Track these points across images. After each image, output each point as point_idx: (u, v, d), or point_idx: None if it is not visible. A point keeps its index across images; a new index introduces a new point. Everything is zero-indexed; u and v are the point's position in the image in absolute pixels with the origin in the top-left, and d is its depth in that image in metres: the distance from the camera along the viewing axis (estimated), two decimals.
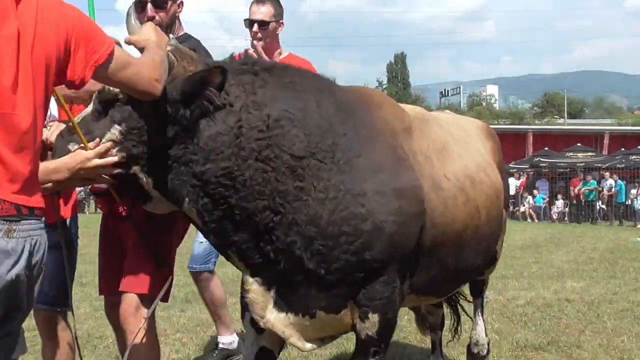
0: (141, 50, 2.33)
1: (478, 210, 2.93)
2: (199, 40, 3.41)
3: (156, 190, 2.48)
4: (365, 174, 2.48)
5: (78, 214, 3.44)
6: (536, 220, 25.06)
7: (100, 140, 2.35)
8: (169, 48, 2.38)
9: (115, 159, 2.38)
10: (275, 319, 2.60)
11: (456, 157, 2.95)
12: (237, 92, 2.41)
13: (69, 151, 2.39)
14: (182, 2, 3.42)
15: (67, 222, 3.16)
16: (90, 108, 2.48)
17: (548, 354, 4.78)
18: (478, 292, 3.81)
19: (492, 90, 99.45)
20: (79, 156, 2.38)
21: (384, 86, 70.90)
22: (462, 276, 3.18)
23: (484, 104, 74.03)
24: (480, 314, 3.82)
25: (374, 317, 2.56)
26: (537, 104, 75.30)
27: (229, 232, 2.48)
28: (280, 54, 4.12)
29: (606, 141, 35.05)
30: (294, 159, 2.40)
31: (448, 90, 77.91)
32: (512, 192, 23.91)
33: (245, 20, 4.07)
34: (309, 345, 2.72)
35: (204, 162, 2.37)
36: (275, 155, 2.39)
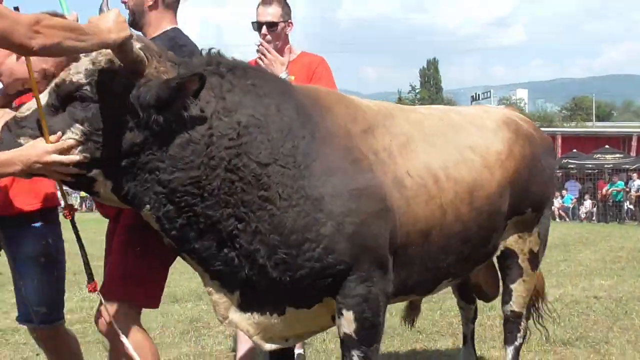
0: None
1: (443, 208, 2.71)
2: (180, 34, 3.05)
3: (113, 194, 2.34)
4: (321, 178, 2.39)
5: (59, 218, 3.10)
6: (567, 220, 25.02)
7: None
8: (138, 45, 2.20)
9: (78, 158, 2.22)
10: (239, 318, 2.54)
11: (420, 153, 2.72)
12: (207, 97, 2.28)
13: (19, 145, 2.21)
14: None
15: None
16: (42, 101, 2.27)
17: (576, 350, 4.74)
18: (510, 338, 3.41)
19: (522, 94, 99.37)
20: (39, 149, 2.19)
21: (417, 90, 71.99)
22: (438, 274, 2.91)
23: (514, 107, 74.05)
24: None
25: (348, 315, 2.49)
26: (566, 107, 76.48)
27: (191, 239, 2.37)
28: (290, 51, 3.91)
29: (634, 143, 34.74)
30: (260, 166, 2.31)
31: (479, 95, 75.31)
32: None
33: (253, 22, 3.86)
34: (268, 345, 2.63)
35: (172, 171, 2.25)
36: (243, 164, 2.30)
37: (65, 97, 2.25)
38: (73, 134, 2.21)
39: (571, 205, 26.36)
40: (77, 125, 2.22)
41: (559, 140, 35.04)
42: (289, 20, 3.86)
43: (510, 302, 3.35)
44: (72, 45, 2.02)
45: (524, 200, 3.14)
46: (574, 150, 30.82)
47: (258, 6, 3.84)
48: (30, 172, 2.24)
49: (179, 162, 2.23)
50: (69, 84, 2.24)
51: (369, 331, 2.52)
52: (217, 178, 2.27)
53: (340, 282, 2.45)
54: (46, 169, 2.23)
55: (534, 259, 3.32)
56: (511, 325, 3.39)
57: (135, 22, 3.00)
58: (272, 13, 3.77)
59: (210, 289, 2.52)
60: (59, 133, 2.19)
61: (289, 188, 2.33)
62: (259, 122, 2.33)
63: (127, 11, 2.98)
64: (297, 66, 3.82)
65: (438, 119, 3.02)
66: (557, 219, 24.52)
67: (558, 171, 28.33)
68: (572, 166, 28.98)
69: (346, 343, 2.53)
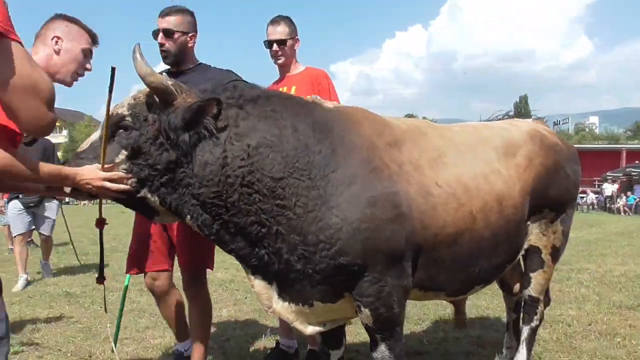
0: None
1: (472, 215, 2.76)
2: (225, 70, 3.56)
3: (162, 207, 2.55)
4: (340, 186, 2.48)
5: None
6: (630, 214, 29.23)
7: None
8: (170, 82, 2.47)
9: (126, 188, 2.49)
10: (281, 307, 2.67)
11: (451, 166, 2.80)
12: (222, 125, 2.47)
13: None
14: (193, 35, 3.53)
15: None
16: (97, 133, 2.57)
17: (638, 313, 5.31)
18: (527, 319, 3.48)
19: (594, 120, 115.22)
20: (92, 173, 2.45)
21: None
22: (469, 276, 2.94)
23: (587, 130, 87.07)
24: (525, 344, 3.48)
25: (365, 311, 2.58)
26: (630, 129, 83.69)
27: (227, 241, 2.57)
28: (295, 66, 4.09)
29: None
30: (273, 180, 2.45)
31: (559, 121, 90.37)
32: (609, 193, 33.89)
33: (264, 41, 4.04)
34: (310, 329, 2.74)
35: (199, 186, 2.45)
36: (257, 179, 2.44)
37: (114, 128, 2.48)
38: (120, 159, 2.45)
39: (634, 204, 31.04)
40: (123, 151, 2.46)
41: (624, 154, 41.14)
42: (296, 37, 4.04)
43: (529, 288, 3.41)
44: None
45: (542, 203, 3.17)
46: (637, 162, 36.61)
47: (267, 26, 4.03)
48: (80, 189, 2.49)
49: (203, 180, 2.44)
50: (115, 116, 2.50)
51: (385, 322, 2.61)
52: (236, 192, 2.45)
53: (356, 280, 2.52)
54: (98, 190, 2.47)
55: (555, 253, 3.36)
56: (529, 308, 3.46)
57: (177, 60, 3.50)
58: (281, 31, 3.97)
59: (253, 282, 2.68)
60: (112, 165, 2.46)
61: (304, 197, 2.45)
62: (272, 142, 2.48)
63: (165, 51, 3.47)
64: (302, 78, 4.01)
65: (469, 134, 3.09)
66: (622, 214, 29.92)
67: (623, 177, 35.97)
68: (634, 174, 35.32)
69: (368, 329, 2.68)
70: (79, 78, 2.68)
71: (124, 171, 2.49)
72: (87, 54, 2.67)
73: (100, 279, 3.01)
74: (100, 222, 2.95)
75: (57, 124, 2.24)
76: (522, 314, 3.55)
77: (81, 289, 6.75)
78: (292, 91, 3.91)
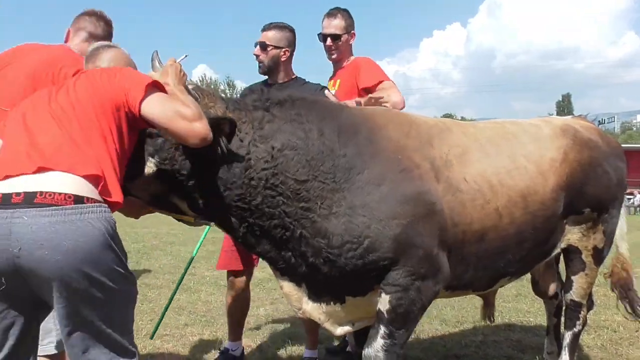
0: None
1: (498, 212, 2.72)
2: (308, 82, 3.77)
3: (192, 211, 2.57)
4: (367, 187, 2.46)
5: None
6: None
7: (140, 176, 2.46)
8: (190, 86, 2.44)
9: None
10: (311, 308, 2.65)
11: (476, 161, 2.77)
12: (247, 128, 2.47)
13: None
14: (287, 50, 3.71)
15: None
16: None
17: None
18: (569, 324, 3.39)
19: None
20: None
21: None
22: (495, 272, 2.91)
23: (634, 129, 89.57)
24: (567, 350, 3.39)
25: (385, 297, 2.52)
26: None
27: (254, 244, 2.57)
28: (347, 59, 4.01)
29: None
30: (297, 183, 2.44)
31: (605, 119, 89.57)
32: None
33: (318, 34, 3.97)
34: (339, 330, 2.73)
35: (224, 189, 2.44)
36: (281, 182, 2.43)
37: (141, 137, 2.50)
38: (148, 167, 2.43)
39: None
40: (150, 158, 2.44)
41: None
42: (352, 32, 3.93)
43: (571, 292, 3.33)
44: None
45: (579, 201, 3.07)
46: None
47: (323, 18, 3.96)
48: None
49: (227, 183, 2.43)
50: None
51: (401, 316, 2.53)
52: (259, 195, 2.43)
53: (385, 274, 2.49)
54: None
55: (598, 255, 3.25)
56: (571, 312, 3.37)
57: (269, 71, 3.76)
58: (336, 25, 3.89)
59: (282, 284, 2.68)
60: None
61: (328, 200, 2.44)
62: (297, 145, 2.47)
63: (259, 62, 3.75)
64: (345, 71, 3.95)
65: (493, 130, 3.04)
66: None
67: None
68: None
69: (379, 317, 2.56)
70: None
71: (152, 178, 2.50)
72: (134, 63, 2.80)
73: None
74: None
75: None
76: (564, 319, 3.46)
77: None
78: (337, 86, 3.87)
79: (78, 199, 1.92)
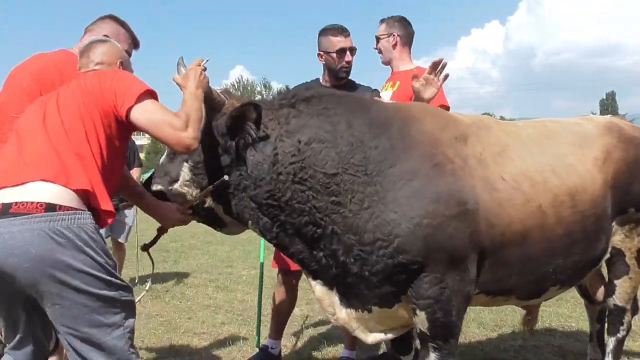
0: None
1: (542, 210, 2.60)
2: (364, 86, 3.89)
3: (227, 215, 2.60)
4: (399, 182, 2.40)
5: None
6: None
7: (177, 181, 2.57)
8: (219, 89, 2.53)
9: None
10: (343, 314, 2.62)
11: (516, 159, 2.67)
12: (273, 125, 2.49)
13: (152, 190, 2.65)
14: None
15: None
16: (166, 151, 2.69)
17: None
18: (613, 330, 3.26)
19: None
20: (172, 214, 2.67)
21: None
22: (541, 278, 2.75)
23: None
24: (611, 357, 3.27)
25: (421, 315, 2.45)
26: None
27: (287, 245, 2.56)
28: (403, 62, 4.00)
29: None
30: (326, 176, 2.41)
31: None
32: None
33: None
34: (371, 338, 2.69)
35: (254, 187, 2.45)
36: (309, 175, 2.41)
37: None
38: (184, 172, 2.54)
39: None
40: (185, 163, 2.54)
41: None
42: (393, 34, 3.96)
43: (614, 297, 3.20)
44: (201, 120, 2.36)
45: (625, 200, 2.95)
46: None
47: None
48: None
49: (256, 180, 2.44)
50: None
51: (442, 329, 2.48)
52: (288, 190, 2.42)
53: (415, 280, 2.42)
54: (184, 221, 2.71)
55: None
56: (614, 318, 3.26)
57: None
58: (379, 29, 4.02)
59: (314, 288, 2.66)
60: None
61: (360, 193, 2.39)
62: (324, 138, 2.45)
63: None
64: (406, 76, 3.83)
65: (535, 128, 2.96)
66: None
67: None
68: None
69: (421, 338, 2.54)
70: None
71: (188, 184, 2.57)
72: (127, 56, 2.86)
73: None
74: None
75: None
76: (607, 324, 3.34)
77: (162, 284, 7.05)
78: (395, 87, 3.87)
79: (50, 207, 1.98)
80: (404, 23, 4.01)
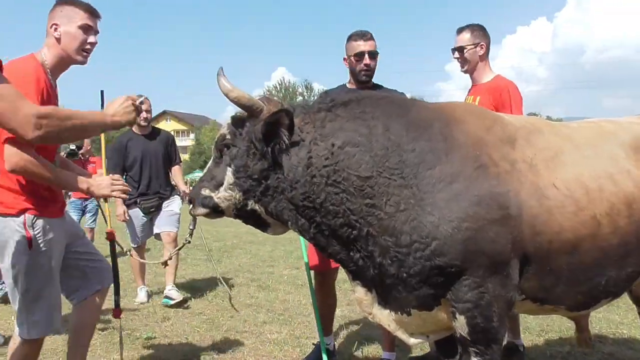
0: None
1: (596, 220, 2.47)
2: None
3: (269, 216, 2.67)
4: (438, 184, 2.37)
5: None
6: None
7: (222, 185, 2.66)
8: (259, 97, 2.63)
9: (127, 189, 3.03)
10: (382, 315, 2.62)
11: (570, 165, 2.54)
12: (308, 128, 2.55)
13: (201, 194, 2.75)
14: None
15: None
16: (212, 156, 2.81)
17: None
18: None
19: None
20: (103, 180, 2.96)
21: None
22: (593, 288, 2.60)
23: None
24: None
25: (461, 319, 2.42)
26: None
27: (325, 245, 2.60)
28: (484, 73, 4.04)
29: None
30: (360, 179, 2.43)
31: None
32: None
33: (451, 49, 4.10)
34: (413, 340, 2.67)
35: (291, 189, 2.52)
36: (343, 178, 2.45)
37: (220, 148, 2.72)
38: (228, 176, 2.64)
39: None
40: (228, 167, 2.64)
41: None
42: (480, 43, 3.98)
43: None
44: (73, 131, 2.60)
45: None
46: None
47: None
48: (94, 194, 2.96)
49: (292, 182, 2.51)
50: (220, 137, 2.72)
51: (482, 334, 2.43)
52: (322, 192, 2.47)
53: (454, 283, 2.39)
54: (109, 192, 2.97)
55: None
56: None
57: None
58: (461, 39, 4.02)
59: (354, 288, 2.68)
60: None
61: (395, 196, 2.39)
62: (359, 142, 2.47)
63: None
64: (486, 88, 3.93)
65: (590, 130, 2.80)
66: None
67: None
68: None
69: (462, 342, 2.50)
70: (89, 53, 2.91)
71: (232, 187, 2.64)
72: (87, 29, 2.84)
73: (117, 311, 3.36)
74: (111, 234, 3.54)
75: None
76: None
77: (205, 282, 7.17)
78: (477, 102, 3.86)
79: None
80: (485, 31, 4.04)
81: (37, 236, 2.74)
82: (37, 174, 2.65)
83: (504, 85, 3.89)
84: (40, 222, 2.75)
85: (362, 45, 3.84)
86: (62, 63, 2.90)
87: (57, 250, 2.87)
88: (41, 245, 2.75)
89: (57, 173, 2.74)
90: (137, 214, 6.10)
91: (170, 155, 6.32)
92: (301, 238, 4.55)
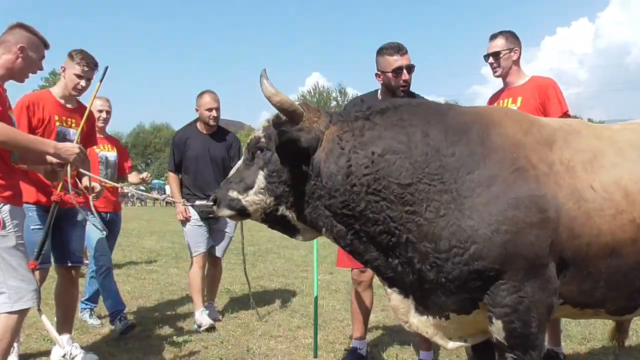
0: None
1: (636, 223, 2.41)
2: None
3: (301, 222, 2.67)
4: (477, 188, 2.36)
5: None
6: None
7: (252, 188, 2.65)
8: (298, 102, 2.62)
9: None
10: (419, 321, 2.60)
11: (609, 167, 2.49)
12: (348, 137, 2.54)
13: (228, 196, 2.73)
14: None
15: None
16: (240, 161, 2.82)
17: None
18: None
19: None
20: (71, 145, 3.33)
21: None
22: (634, 292, 2.54)
23: None
24: None
25: (497, 323, 2.39)
26: None
27: (362, 252, 2.59)
28: (519, 76, 4.08)
29: None
30: (401, 187, 2.42)
31: None
32: None
33: (484, 56, 4.13)
34: (451, 344, 2.64)
35: (329, 197, 2.51)
36: (383, 186, 2.43)
37: (253, 151, 2.70)
38: (259, 180, 2.63)
39: None
40: (260, 171, 2.63)
41: None
42: (514, 48, 4.03)
43: None
44: (21, 146, 3.08)
45: None
46: None
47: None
48: (60, 155, 3.24)
49: (331, 190, 2.50)
50: (254, 139, 2.71)
51: (520, 340, 2.40)
52: (362, 200, 2.46)
53: (490, 287, 2.37)
54: (76, 156, 3.26)
55: None
56: None
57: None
58: (495, 45, 4.06)
59: (390, 295, 2.67)
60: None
61: (436, 202, 2.38)
62: (398, 149, 2.46)
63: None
64: (528, 88, 3.95)
65: (633, 132, 2.73)
66: None
67: None
68: None
69: (499, 347, 2.46)
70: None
71: (263, 191, 2.64)
72: (42, 59, 3.43)
73: (34, 262, 3.32)
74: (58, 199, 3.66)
75: None
76: None
77: (240, 286, 7.24)
78: (519, 103, 3.90)
79: None
80: (517, 37, 4.11)
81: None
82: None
83: (547, 82, 3.95)
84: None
85: (398, 60, 3.74)
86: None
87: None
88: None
89: (21, 134, 3.15)
90: (195, 217, 5.43)
91: (232, 158, 5.52)
92: (315, 246, 4.59)
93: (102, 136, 5.36)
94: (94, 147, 4.83)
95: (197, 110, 5.55)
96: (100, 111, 5.38)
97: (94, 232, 4.84)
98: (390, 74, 3.76)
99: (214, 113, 5.44)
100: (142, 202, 48.82)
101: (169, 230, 16.40)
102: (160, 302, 6.47)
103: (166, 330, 5.19)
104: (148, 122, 78.96)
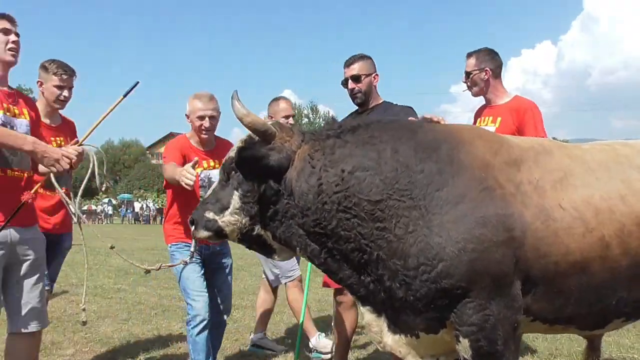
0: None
1: (604, 241, 2.43)
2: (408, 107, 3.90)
3: (276, 242, 2.68)
4: (445, 206, 2.37)
5: None
6: None
7: (228, 208, 2.67)
8: (270, 122, 2.67)
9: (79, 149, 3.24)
10: (392, 340, 2.60)
11: (580, 186, 2.50)
12: (319, 155, 2.55)
13: (205, 217, 2.73)
14: (376, 75, 3.99)
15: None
16: (218, 178, 2.83)
17: None
18: None
19: None
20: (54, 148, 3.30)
21: None
22: (604, 309, 2.56)
23: None
24: None
25: (464, 342, 2.39)
26: None
27: (335, 270, 2.60)
28: (500, 95, 4.05)
29: None
30: (371, 203, 2.42)
31: None
32: None
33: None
34: None
35: (302, 216, 2.53)
36: (354, 204, 2.44)
37: (228, 171, 2.72)
38: (234, 200, 2.65)
39: None
40: (235, 191, 2.65)
41: None
42: (485, 68, 4.02)
43: None
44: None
45: None
46: None
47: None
48: (36, 154, 3.16)
49: (304, 209, 2.51)
50: (228, 160, 2.73)
51: (487, 358, 2.39)
52: (334, 218, 2.47)
53: (456, 305, 2.38)
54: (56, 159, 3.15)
55: None
56: None
57: (366, 99, 3.97)
58: (468, 63, 4.08)
59: (364, 314, 2.67)
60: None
61: (405, 217, 2.39)
62: (368, 166, 2.47)
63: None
64: (507, 109, 3.95)
65: (603, 152, 2.74)
66: None
67: None
68: None
69: None
70: (13, 51, 3.32)
71: (238, 212, 2.65)
72: (7, 32, 3.25)
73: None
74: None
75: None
76: None
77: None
78: (497, 123, 3.89)
79: None
80: (492, 55, 4.08)
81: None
82: None
83: (527, 106, 3.92)
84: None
85: (345, 72, 3.99)
86: None
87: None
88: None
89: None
90: None
91: None
92: (309, 268, 4.59)
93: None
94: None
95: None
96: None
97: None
98: (343, 85, 4.05)
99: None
100: (109, 220, 47.87)
101: (137, 248, 16.09)
102: (127, 321, 6.34)
103: (133, 350, 5.07)
104: (117, 138, 77.99)
